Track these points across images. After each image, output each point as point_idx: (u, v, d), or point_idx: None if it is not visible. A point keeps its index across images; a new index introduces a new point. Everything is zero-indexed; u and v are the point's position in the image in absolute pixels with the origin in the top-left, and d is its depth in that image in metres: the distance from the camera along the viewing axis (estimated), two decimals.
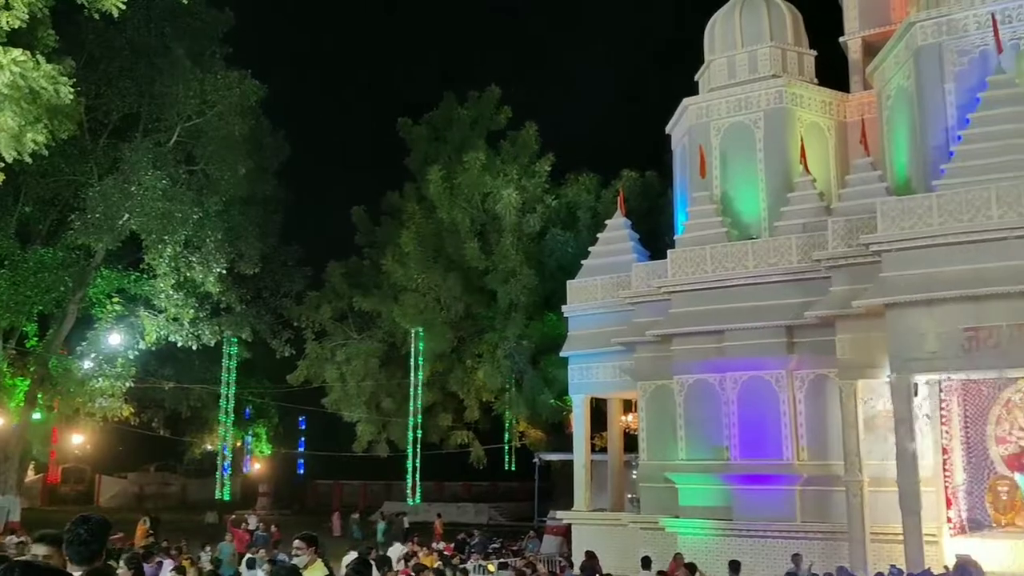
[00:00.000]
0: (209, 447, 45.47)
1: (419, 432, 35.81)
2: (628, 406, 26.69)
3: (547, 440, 37.82)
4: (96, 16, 16.82)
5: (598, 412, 25.94)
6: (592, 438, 25.55)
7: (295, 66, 49.57)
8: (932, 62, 18.84)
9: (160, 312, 29.57)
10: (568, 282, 24.19)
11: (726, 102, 21.83)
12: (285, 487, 53.44)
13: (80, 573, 4.54)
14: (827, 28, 23.80)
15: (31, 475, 41.46)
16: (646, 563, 15.70)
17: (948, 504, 17.48)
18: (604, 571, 18.25)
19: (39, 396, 29.49)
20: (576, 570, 18.48)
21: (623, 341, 21.65)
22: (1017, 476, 17.90)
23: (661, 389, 21.06)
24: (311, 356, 38.02)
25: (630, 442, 26.31)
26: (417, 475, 36.34)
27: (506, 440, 37.89)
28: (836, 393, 17.98)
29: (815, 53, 22.66)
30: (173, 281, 28.68)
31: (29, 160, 17.01)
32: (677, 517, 19.99)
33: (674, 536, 19.86)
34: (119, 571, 7.64)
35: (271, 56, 41.70)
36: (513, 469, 38.88)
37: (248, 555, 17.98)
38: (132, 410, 33.23)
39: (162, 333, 29.76)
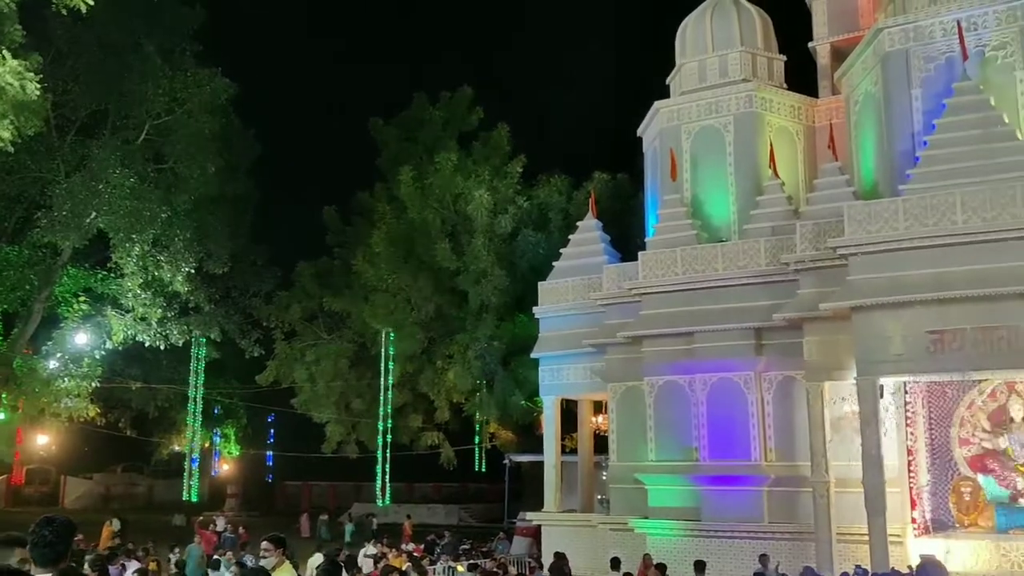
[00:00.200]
0: (177, 448, 45.05)
1: (389, 433, 35.73)
2: (598, 407, 26.77)
3: (517, 441, 37.85)
4: (64, 12, 16.63)
5: (569, 413, 26.01)
6: (562, 439, 25.61)
7: (266, 64, 49.28)
8: (899, 68, 19.08)
9: (127, 311, 29.27)
10: (539, 283, 24.23)
11: (697, 105, 21.98)
12: (254, 488, 53.07)
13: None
14: (796, 33, 24.04)
15: None
16: (615, 564, 15.76)
17: (913, 505, 17.70)
18: (573, 572, 18.31)
19: (3, 396, 29.08)
20: (545, 571, 18.52)
21: (594, 343, 21.72)
22: (980, 477, 18.17)
23: (631, 390, 21.15)
24: (280, 356, 37.80)
25: (600, 443, 26.40)
26: (387, 476, 36.27)
27: (476, 441, 37.90)
28: (803, 395, 18.17)
29: (784, 58, 22.89)
30: (141, 280, 28.39)
31: None
32: (646, 518, 20.09)
33: (643, 537, 19.95)
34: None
35: (242, 54, 41.42)
36: (483, 470, 38.92)
37: (215, 557, 17.86)
38: (98, 410, 32.86)
39: (129, 333, 29.45)
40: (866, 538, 16.32)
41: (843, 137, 21.22)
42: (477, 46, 56.37)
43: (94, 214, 26.15)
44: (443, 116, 37.23)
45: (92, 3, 16.00)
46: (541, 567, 20.63)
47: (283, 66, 52.82)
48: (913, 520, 17.61)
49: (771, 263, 19.09)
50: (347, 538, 29.94)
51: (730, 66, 22.18)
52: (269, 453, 54.47)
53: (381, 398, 35.04)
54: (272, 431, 53.26)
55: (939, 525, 18.19)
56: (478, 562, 20.13)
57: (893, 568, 15.33)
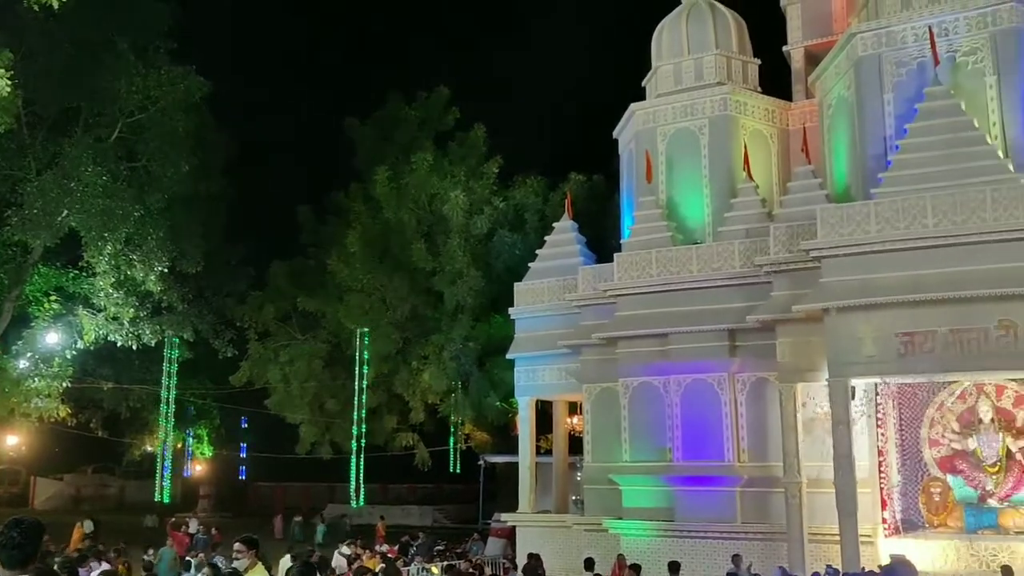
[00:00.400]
0: (149, 448, 44.65)
1: (363, 434, 35.61)
2: (573, 408, 26.82)
3: (492, 442, 37.85)
4: (36, 8, 16.46)
5: (544, 414, 26.04)
6: (537, 440, 25.64)
7: (241, 63, 48.99)
8: (872, 73, 19.28)
9: (99, 311, 28.99)
10: (515, 284, 24.24)
11: (672, 108, 22.09)
12: (227, 489, 52.76)
13: None
14: (771, 37, 24.22)
15: None
16: (589, 565, 15.80)
17: (883, 505, 17.86)
18: (548, 573, 18.35)
19: None
20: (519, 572, 18.55)
21: (569, 344, 21.76)
22: (949, 478, 18.37)
23: (606, 392, 21.21)
24: (254, 357, 37.57)
25: (575, 444, 26.45)
26: (361, 477, 36.14)
27: (451, 442, 37.83)
28: (776, 396, 18.30)
29: (759, 62, 23.05)
30: (113, 279, 28.13)
31: None
32: (620, 518, 20.15)
33: (617, 537, 20.01)
34: None
35: (217, 52, 41.17)
36: (458, 471, 38.86)
37: (187, 558, 17.75)
38: (69, 411, 32.49)
39: (101, 332, 29.16)
40: (837, 538, 16.46)
41: (816, 140, 21.41)
42: (453, 46, 56.33)
43: (66, 212, 25.89)
44: (419, 116, 37.15)
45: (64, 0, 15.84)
46: (515, 568, 20.64)
47: (258, 65, 52.60)
48: (884, 520, 17.77)
49: (745, 265, 19.21)
50: (319, 539, 29.84)
51: (705, 69, 22.31)
52: (242, 454, 54.17)
53: (355, 399, 34.91)
54: (245, 432, 52.96)
55: (909, 525, 18.38)
56: (455, 563, 20.13)
57: (864, 568, 15.48)
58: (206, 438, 47.84)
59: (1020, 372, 16.61)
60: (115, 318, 29.09)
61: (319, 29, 60.41)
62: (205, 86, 29.18)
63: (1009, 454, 17.93)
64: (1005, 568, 14.87)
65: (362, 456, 35.82)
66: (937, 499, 18.23)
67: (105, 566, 15.52)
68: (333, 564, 18.48)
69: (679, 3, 23.64)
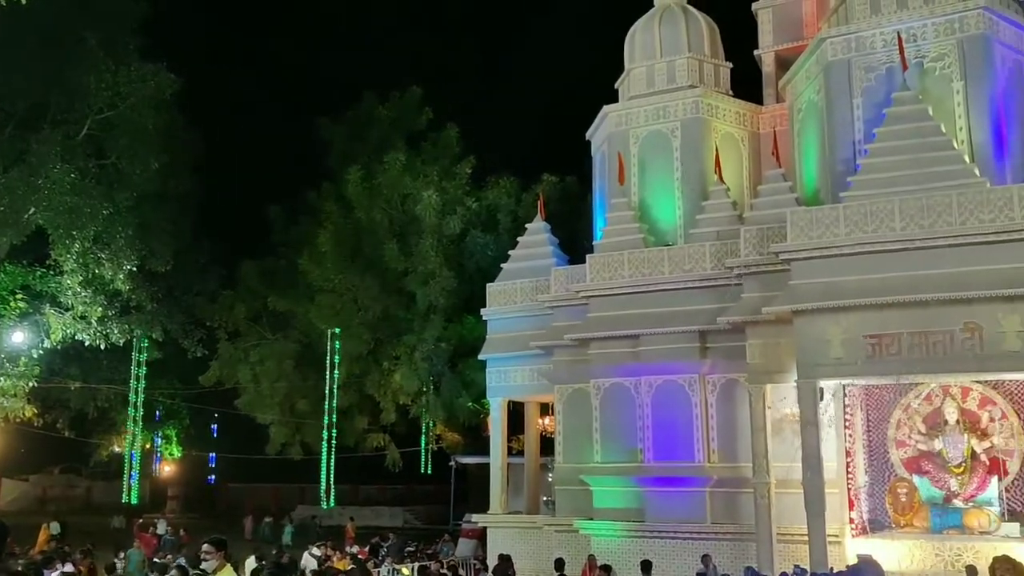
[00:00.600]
0: (117, 449, 44.23)
1: (334, 435, 35.48)
2: (545, 409, 26.85)
3: (464, 443, 37.83)
4: (3, 3, 16.24)
5: (515, 415, 26.04)
6: (509, 441, 25.63)
7: (213, 60, 48.57)
8: (841, 77, 19.48)
9: (67, 310, 28.67)
10: (487, 285, 24.23)
11: (644, 110, 22.18)
12: (195, 490, 52.37)
13: None
14: (742, 41, 24.40)
15: None
16: (559, 565, 15.81)
17: (851, 505, 18.03)
18: (519, 574, 18.37)
19: None
20: (490, 574, 18.55)
21: (541, 345, 21.79)
22: (915, 478, 18.58)
23: (578, 392, 21.25)
24: (224, 356, 37.33)
25: (547, 445, 26.48)
26: (331, 478, 36.02)
27: (423, 443, 37.77)
28: (746, 397, 18.40)
29: (731, 65, 23.20)
30: (81, 278, 27.83)
31: None
32: (591, 519, 20.20)
33: (588, 538, 20.06)
34: None
35: (188, 49, 40.79)
36: (429, 472, 38.79)
37: (155, 560, 17.60)
38: (35, 410, 32.12)
39: (68, 331, 28.85)
40: (805, 538, 16.58)
41: (787, 144, 21.59)
42: (427, 46, 56.22)
43: (33, 210, 25.60)
44: (392, 116, 37.07)
45: None
46: (486, 569, 20.64)
47: (229, 62, 52.17)
48: (851, 520, 17.94)
49: (716, 267, 19.31)
50: (287, 540, 29.69)
51: (677, 72, 22.43)
52: (212, 454, 53.77)
53: (326, 399, 34.78)
54: (215, 432, 52.59)
55: (876, 525, 18.56)
56: (427, 564, 20.11)
57: (832, 568, 15.62)
58: (175, 438, 47.45)
59: (985, 374, 16.83)
60: (83, 317, 28.80)
61: (292, 27, 60.12)
62: (175, 83, 28.95)
63: (974, 455, 18.15)
64: (970, 568, 15.04)
65: (333, 457, 35.70)
66: (903, 499, 18.43)
67: (69, 568, 15.36)
68: (303, 565, 18.41)
69: (652, 6, 23.76)
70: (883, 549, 17.09)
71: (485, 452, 25.74)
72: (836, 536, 17.18)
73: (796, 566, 15.13)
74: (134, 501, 37.78)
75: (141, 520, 30.79)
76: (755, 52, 24.10)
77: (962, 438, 18.20)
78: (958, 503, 18.05)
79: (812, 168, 20.72)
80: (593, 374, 20.48)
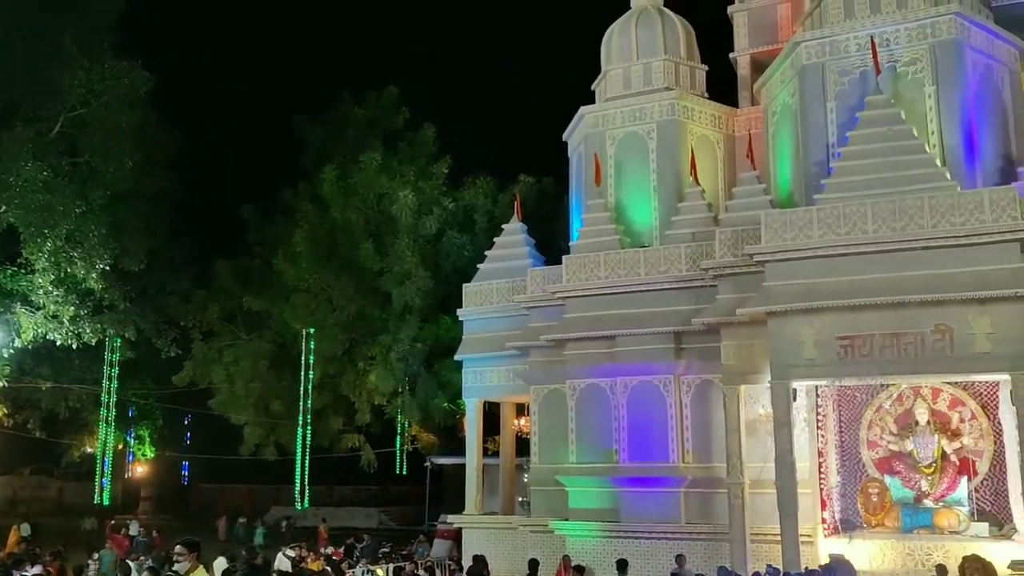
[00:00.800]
0: (89, 449, 43.84)
1: (308, 435, 35.34)
2: (521, 410, 26.88)
3: (439, 444, 37.81)
4: None
5: (491, 416, 26.07)
6: (485, 442, 25.64)
7: (189, 58, 48.23)
8: (815, 81, 19.65)
9: (38, 309, 28.38)
10: (464, 285, 24.22)
11: (621, 112, 22.27)
12: (169, 491, 51.99)
13: None
14: (718, 44, 24.55)
15: None
16: (533, 566, 15.83)
17: (823, 506, 18.18)
18: (494, 575, 18.37)
19: None
20: (464, 574, 18.55)
21: (517, 345, 21.81)
22: (887, 479, 18.75)
23: (554, 393, 21.29)
24: (198, 356, 37.11)
25: (522, 446, 26.51)
26: (306, 479, 35.88)
27: (398, 444, 37.71)
28: (720, 398, 18.50)
29: (706, 68, 23.33)
30: (53, 277, 27.56)
31: None
32: (566, 520, 20.24)
33: (563, 539, 20.10)
34: None
35: (164, 47, 40.50)
36: (404, 473, 38.75)
37: (127, 561, 17.46)
38: (6, 411, 31.88)
39: (40, 331, 28.56)
40: (778, 538, 16.70)
41: (761, 146, 21.75)
42: (405, 47, 56.17)
43: (4, 208, 25.33)
44: (368, 115, 36.98)
45: None
46: (461, 569, 20.63)
47: (205, 60, 51.82)
48: (823, 520, 18.10)
49: (691, 269, 19.41)
50: (258, 541, 29.53)
51: (654, 74, 22.54)
52: (185, 456, 53.38)
53: (301, 400, 34.64)
54: (188, 433, 52.22)
55: (848, 525, 18.72)
56: (402, 565, 20.08)
57: (806, 567, 15.74)
58: (148, 439, 47.11)
59: (955, 376, 17.04)
60: (55, 316, 28.52)
61: (268, 26, 59.81)
62: (150, 80, 28.77)
63: (944, 455, 18.35)
64: (940, 567, 15.24)
65: (307, 458, 35.56)
66: (875, 499, 18.59)
67: (38, 570, 15.22)
68: (276, 566, 18.31)
69: (629, 8, 23.86)
70: (855, 549, 17.26)
71: (460, 453, 25.74)
72: (808, 536, 17.31)
73: (769, 566, 15.24)
74: (106, 502, 37.44)
75: (113, 521, 30.52)
76: (730, 55, 24.28)
77: (932, 439, 18.39)
78: (928, 503, 18.24)
79: (786, 171, 20.88)
80: (569, 375, 20.53)
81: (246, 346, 36.73)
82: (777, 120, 21.41)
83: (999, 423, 17.83)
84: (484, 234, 31.97)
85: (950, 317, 15.68)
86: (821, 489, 18.23)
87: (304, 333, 34.11)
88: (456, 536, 24.61)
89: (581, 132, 23.16)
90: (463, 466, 24.41)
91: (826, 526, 18.13)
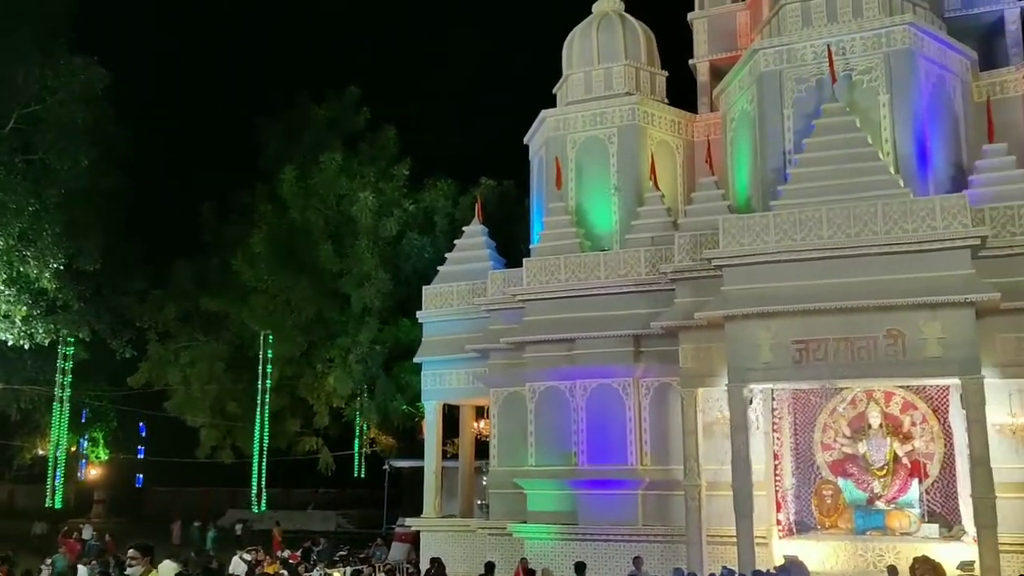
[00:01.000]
0: (41, 452, 43.03)
1: (266, 438, 35.03)
2: (480, 412, 26.88)
3: (398, 447, 37.65)
4: None
5: (450, 418, 26.03)
6: (444, 444, 25.59)
7: (146, 55, 47.68)
8: (773, 88, 19.92)
9: None
10: (424, 287, 24.18)
11: (582, 116, 22.40)
12: (123, 494, 51.22)
13: None
14: (678, 50, 24.77)
15: None
16: (489, 569, 15.82)
17: (778, 507, 18.42)
18: None
19: None
20: None
21: (477, 348, 21.82)
22: (840, 481, 19.05)
23: (513, 396, 21.32)
24: (153, 358, 36.62)
25: (481, 449, 26.50)
26: (263, 482, 35.55)
27: (356, 446, 37.47)
28: (678, 401, 18.64)
29: (667, 74, 23.54)
30: (5, 276, 27.06)
31: None
32: (525, 522, 20.28)
33: (521, 541, 20.14)
34: None
35: (120, 44, 40.00)
36: (363, 476, 38.51)
37: (79, 566, 17.19)
38: None
39: None
40: (734, 540, 16.88)
41: (720, 152, 22.01)
42: (366, 46, 55.94)
43: None
44: (328, 115, 36.71)
45: None
46: (419, 573, 20.58)
47: (162, 58, 51.24)
48: (778, 522, 18.33)
49: (650, 272, 19.57)
50: (209, 545, 29.22)
51: (614, 79, 22.70)
52: (140, 457, 52.65)
53: (258, 402, 34.32)
54: (143, 435, 51.50)
55: (802, 527, 19.00)
56: (360, 568, 19.97)
57: (757, 569, 15.90)
58: (102, 441, 46.37)
59: (907, 380, 17.35)
60: (6, 316, 28.01)
61: (227, 24, 59.23)
62: (106, 78, 28.37)
63: (896, 458, 18.69)
64: (891, 568, 15.48)
65: (264, 460, 35.24)
66: (828, 501, 18.89)
67: None
68: (232, 570, 18.15)
69: (591, 12, 23.99)
70: (809, 550, 17.51)
71: (419, 456, 25.66)
72: (763, 537, 17.53)
73: (724, 567, 15.39)
74: (58, 505, 36.81)
75: (66, 527, 29.99)
76: (690, 61, 24.53)
77: (885, 441, 18.73)
78: (880, 505, 18.56)
79: (744, 176, 21.13)
80: (528, 377, 20.58)
81: (203, 347, 36.30)
82: (735, 126, 21.65)
83: (949, 426, 18.20)
84: (444, 236, 31.91)
85: (902, 322, 15.96)
86: (776, 491, 18.46)
87: (262, 335, 33.79)
88: (414, 539, 24.55)
89: (542, 135, 23.25)
90: (422, 469, 24.35)
91: (781, 527, 18.36)
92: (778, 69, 19.96)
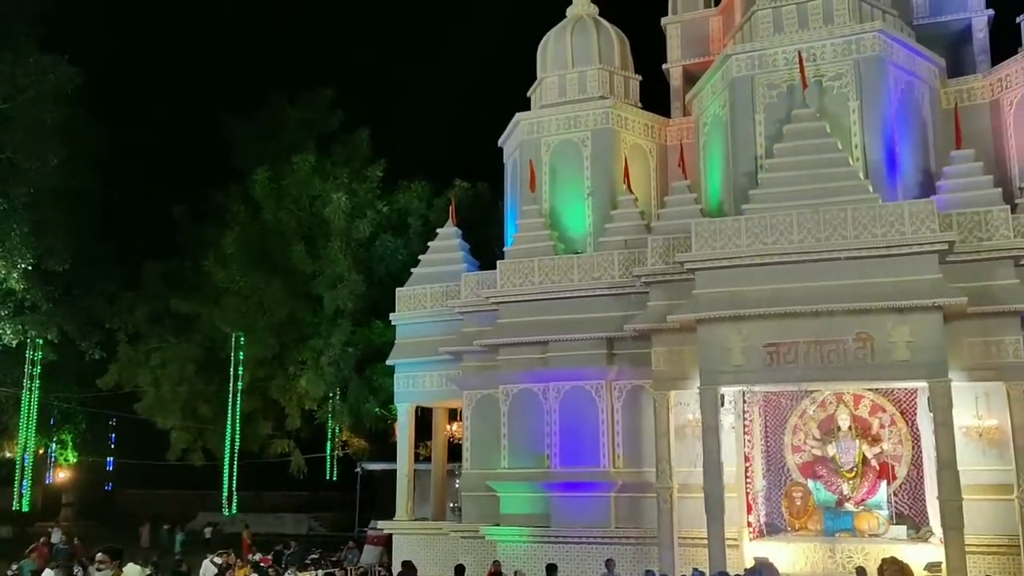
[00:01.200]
0: (8, 454, 42.45)
1: (237, 440, 34.79)
2: (453, 415, 26.86)
3: (370, 449, 37.50)
4: None
5: (423, 421, 25.99)
6: (416, 447, 25.55)
7: (119, 55, 47.22)
8: (744, 93, 20.08)
9: None
10: (397, 289, 24.13)
11: (556, 119, 22.47)
12: (92, 497, 50.57)
13: None
14: (651, 55, 24.90)
15: None
16: (459, 572, 15.79)
17: (748, 509, 18.55)
18: None
19: None
20: None
21: (450, 350, 21.81)
22: (810, 483, 19.22)
23: (486, 398, 21.32)
24: (123, 359, 36.26)
25: (454, 451, 26.47)
26: (234, 484, 35.31)
27: (328, 449, 37.29)
28: (651, 403, 18.72)
29: (640, 78, 23.68)
30: None
31: None
32: (497, 525, 20.28)
33: (494, 544, 20.14)
34: None
35: (93, 43, 39.58)
36: (335, 479, 38.32)
37: (47, 569, 16.99)
38: None
39: None
40: (705, 541, 16.98)
41: (693, 156, 22.15)
42: (340, 48, 55.78)
43: None
44: (302, 116, 36.54)
45: None
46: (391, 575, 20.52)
47: (134, 58, 50.79)
48: (749, 524, 18.46)
49: (624, 275, 19.66)
50: (177, 548, 28.96)
51: (588, 82, 22.79)
52: (109, 460, 52.08)
53: (229, 404, 34.09)
54: (113, 437, 50.93)
55: (772, 528, 19.14)
56: (332, 572, 19.88)
57: (724, 571, 15.98)
58: (70, 444, 45.78)
59: (875, 383, 17.54)
60: None
61: (201, 23, 58.83)
62: (77, 76, 28.12)
63: (865, 460, 18.88)
64: (859, 569, 15.65)
65: (235, 463, 35.00)
66: (798, 503, 19.04)
67: None
68: (203, 573, 18.02)
69: (565, 16, 24.07)
70: (779, 551, 17.64)
71: (392, 458, 25.61)
72: (734, 539, 17.64)
73: (695, 569, 15.47)
74: (25, 508, 36.37)
75: (44, 538, 29.60)
76: (664, 66, 24.67)
77: (854, 444, 18.92)
78: (850, 506, 18.75)
79: (717, 180, 21.28)
80: (502, 380, 20.60)
81: (174, 349, 36.01)
82: (708, 131, 21.81)
83: (917, 429, 18.42)
84: (418, 238, 31.85)
85: (871, 326, 16.14)
86: (747, 493, 18.59)
87: (234, 336, 33.56)
88: (386, 542, 24.49)
89: (516, 138, 23.29)
90: (394, 472, 24.30)
91: (751, 529, 18.49)
92: (750, 74, 20.13)
